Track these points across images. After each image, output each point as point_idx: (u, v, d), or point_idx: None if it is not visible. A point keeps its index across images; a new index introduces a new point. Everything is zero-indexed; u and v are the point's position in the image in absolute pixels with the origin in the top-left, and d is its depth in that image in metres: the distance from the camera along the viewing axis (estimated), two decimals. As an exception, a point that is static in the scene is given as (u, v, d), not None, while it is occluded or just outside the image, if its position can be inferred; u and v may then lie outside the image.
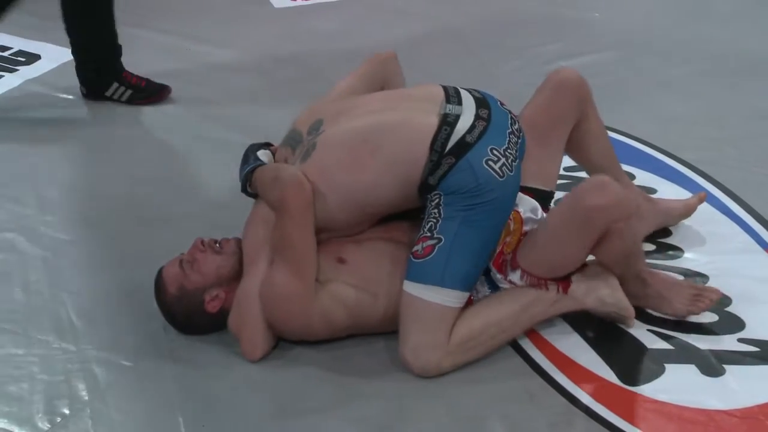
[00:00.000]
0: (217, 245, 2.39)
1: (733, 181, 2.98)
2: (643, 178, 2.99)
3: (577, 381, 2.25)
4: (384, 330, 2.36)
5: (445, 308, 2.25)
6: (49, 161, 3.27)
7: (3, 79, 3.85)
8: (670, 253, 2.67)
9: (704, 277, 2.57)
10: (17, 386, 2.29)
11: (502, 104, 2.38)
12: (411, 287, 2.25)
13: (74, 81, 3.77)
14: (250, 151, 2.44)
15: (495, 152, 2.24)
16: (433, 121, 2.26)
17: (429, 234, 2.25)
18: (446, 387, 2.25)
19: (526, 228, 2.36)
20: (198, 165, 3.21)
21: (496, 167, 2.23)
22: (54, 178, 3.16)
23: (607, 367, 2.28)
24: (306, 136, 2.38)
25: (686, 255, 2.67)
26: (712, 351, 2.32)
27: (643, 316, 2.42)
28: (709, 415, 2.15)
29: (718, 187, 2.96)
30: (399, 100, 2.39)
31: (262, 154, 2.42)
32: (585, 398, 2.20)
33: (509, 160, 2.26)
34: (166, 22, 4.36)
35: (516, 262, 2.32)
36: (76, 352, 2.39)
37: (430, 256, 2.23)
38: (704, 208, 2.84)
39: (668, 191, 2.94)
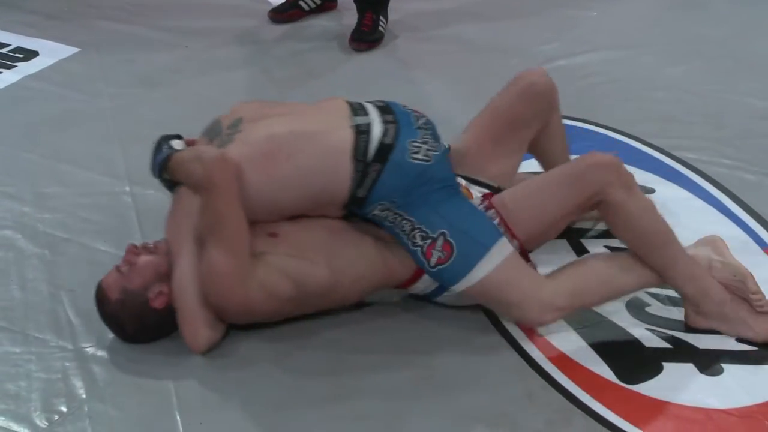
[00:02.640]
0: (151, 246, 2.38)
1: (731, 181, 2.98)
2: (641, 177, 2.97)
3: (575, 379, 2.25)
4: (339, 304, 2.38)
5: (507, 259, 2.30)
6: (46, 158, 3.26)
7: (1, 75, 3.83)
8: (669, 252, 2.67)
9: (703, 276, 2.56)
10: (15, 384, 2.29)
11: (405, 106, 2.43)
12: (468, 279, 2.30)
13: (72, 77, 3.78)
14: (163, 141, 2.38)
15: (414, 145, 2.32)
16: (348, 133, 2.30)
17: (430, 240, 2.29)
18: (444, 384, 2.25)
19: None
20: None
21: (420, 156, 2.31)
22: (52, 175, 3.15)
23: (606, 366, 2.29)
24: (225, 129, 2.37)
25: (685, 254, 2.66)
26: (710, 350, 2.32)
27: (640, 314, 2.42)
28: (708, 414, 2.15)
29: (716, 187, 2.96)
30: (312, 112, 2.43)
31: (177, 144, 2.36)
32: (583, 396, 2.20)
33: (429, 144, 2.33)
34: (163, 19, 4.36)
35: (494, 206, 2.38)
36: (74, 350, 2.39)
37: (455, 248, 2.28)
38: (703, 207, 2.84)
39: (667, 191, 2.93)
